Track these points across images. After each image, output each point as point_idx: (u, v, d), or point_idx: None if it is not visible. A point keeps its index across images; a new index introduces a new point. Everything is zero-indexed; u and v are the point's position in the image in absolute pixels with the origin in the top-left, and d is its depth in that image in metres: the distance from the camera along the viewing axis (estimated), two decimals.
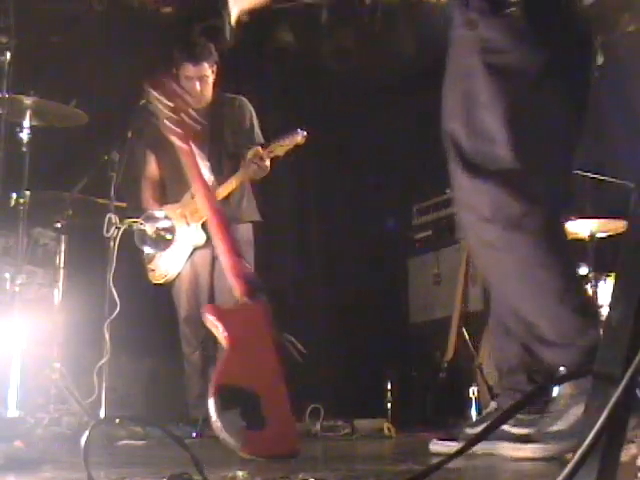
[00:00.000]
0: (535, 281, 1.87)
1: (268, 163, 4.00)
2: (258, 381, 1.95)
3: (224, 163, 4.17)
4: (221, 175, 4.11)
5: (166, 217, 4.02)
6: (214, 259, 4.13)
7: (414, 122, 6.29)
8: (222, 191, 4.05)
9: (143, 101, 3.89)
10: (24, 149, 3.44)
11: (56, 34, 5.39)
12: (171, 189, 4.23)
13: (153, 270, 4.15)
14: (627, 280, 0.99)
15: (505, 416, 1.82)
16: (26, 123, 3.48)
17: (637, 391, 0.89)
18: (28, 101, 3.50)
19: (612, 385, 0.88)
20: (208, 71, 4.17)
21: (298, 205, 6.04)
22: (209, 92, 4.22)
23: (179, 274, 4.16)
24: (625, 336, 0.94)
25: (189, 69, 4.15)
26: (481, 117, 1.89)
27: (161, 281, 4.16)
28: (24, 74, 3.35)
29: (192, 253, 4.13)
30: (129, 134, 3.77)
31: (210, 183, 4.01)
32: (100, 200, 3.88)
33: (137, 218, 3.86)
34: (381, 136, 6.17)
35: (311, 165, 6.27)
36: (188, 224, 4.08)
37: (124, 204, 3.89)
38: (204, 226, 4.06)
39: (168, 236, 3.97)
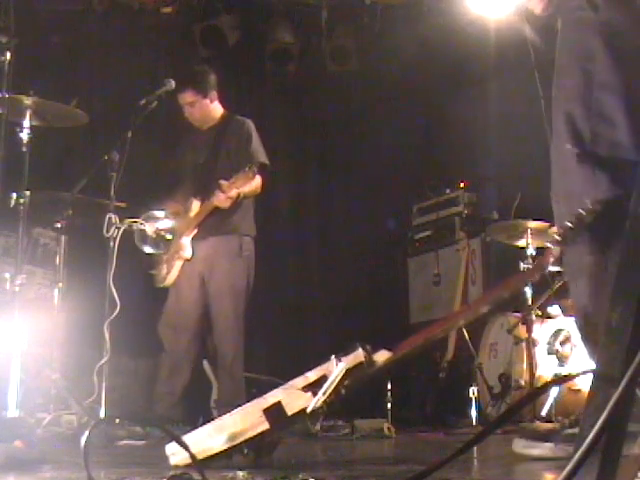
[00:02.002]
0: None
1: (233, 194, 4.12)
2: None
3: (214, 181, 4.25)
4: (209, 193, 4.26)
5: (166, 217, 4.03)
6: (202, 276, 4.29)
7: (415, 122, 6.30)
8: (198, 212, 4.29)
9: (143, 101, 3.89)
10: (24, 149, 3.43)
11: (56, 34, 5.39)
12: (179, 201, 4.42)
13: (156, 275, 4.38)
14: (627, 280, 0.99)
15: (504, 417, 1.82)
16: (26, 123, 3.47)
17: (637, 391, 0.89)
18: (28, 101, 3.50)
19: (612, 385, 0.88)
20: (192, 98, 4.34)
21: (298, 205, 6.04)
22: (205, 115, 4.41)
23: (174, 282, 4.37)
24: (625, 336, 0.94)
25: (177, 96, 4.34)
26: (602, 99, 1.83)
27: (160, 286, 4.38)
28: (24, 74, 3.34)
29: (182, 266, 4.32)
30: (129, 134, 3.77)
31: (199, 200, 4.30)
32: (100, 200, 3.88)
33: (137, 218, 3.87)
34: (381, 136, 6.17)
35: (311, 165, 6.27)
36: (180, 237, 4.27)
37: (124, 204, 3.89)
38: (204, 231, 4.25)
39: (168, 236, 4.00)
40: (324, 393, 1.86)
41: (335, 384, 1.88)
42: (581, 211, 1.77)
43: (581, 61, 1.89)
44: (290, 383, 1.93)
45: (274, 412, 1.87)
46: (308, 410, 1.88)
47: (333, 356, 1.90)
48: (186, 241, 4.28)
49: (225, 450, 1.90)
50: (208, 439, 1.90)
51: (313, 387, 1.89)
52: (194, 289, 4.31)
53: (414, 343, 1.99)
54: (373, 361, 1.89)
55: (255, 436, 1.89)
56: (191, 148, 4.47)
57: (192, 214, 4.30)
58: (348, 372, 1.88)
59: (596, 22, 1.85)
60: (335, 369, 1.88)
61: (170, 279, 4.33)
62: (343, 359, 1.89)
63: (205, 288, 4.32)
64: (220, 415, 4.20)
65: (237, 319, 4.28)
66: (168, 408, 4.22)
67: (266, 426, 1.88)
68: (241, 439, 1.89)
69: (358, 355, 1.90)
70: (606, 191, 1.79)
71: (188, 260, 4.29)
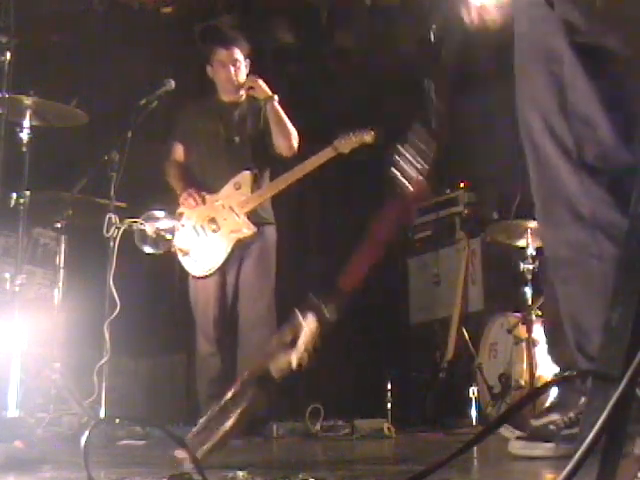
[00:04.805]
0: (608, 293, 1.75)
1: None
2: None
3: (246, 162, 4.16)
4: (260, 180, 4.18)
5: (166, 217, 4.02)
6: (241, 262, 4.11)
7: (415, 122, 6.29)
8: (264, 193, 4.14)
9: (143, 101, 3.90)
10: (24, 149, 3.44)
11: (56, 34, 5.39)
12: (204, 180, 4.19)
13: (196, 261, 4.07)
14: (627, 280, 0.99)
15: (504, 417, 1.82)
16: (26, 123, 3.48)
17: (637, 391, 0.89)
18: (28, 101, 3.51)
19: (612, 385, 0.88)
20: (240, 56, 4.20)
21: (297, 204, 6.04)
22: (240, 81, 4.22)
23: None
24: (625, 336, 0.94)
25: (221, 53, 4.19)
26: (575, 100, 1.77)
27: (205, 273, 4.06)
28: (24, 74, 3.35)
29: (236, 244, 4.07)
30: (129, 134, 3.77)
31: (250, 184, 4.10)
32: (100, 200, 3.88)
33: (137, 218, 3.86)
34: (381, 136, 6.17)
35: None
36: (238, 215, 4.05)
37: (124, 204, 3.89)
38: (250, 217, 4.07)
39: (168, 236, 3.96)
40: (304, 346, 1.93)
41: (311, 337, 1.96)
42: None
43: (547, 63, 1.82)
44: (266, 349, 1.98)
45: (265, 381, 1.92)
46: (293, 365, 1.93)
47: (297, 311, 1.98)
48: (243, 218, 4.05)
49: (233, 429, 1.94)
50: (219, 428, 1.93)
51: (289, 346, 1.95)
52: (228, 275, 4.10)
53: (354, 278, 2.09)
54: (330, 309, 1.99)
55: (255, 406, 1.94)
56: (220, 122, 4.22)
57: (248, 189, 4.10)
58: (318, 323, 1.97)
59: (556, 20, 1.77)
60: (304, 323, 1.96)
61: (216, 265, 4.04)
62: (309, 314, 1.97)
63: (235, 281, 4.10)
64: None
65: (273, 324, 4.10)
66: None
67: (264, 395, 1.93)
68: (248, 414, 1.93)
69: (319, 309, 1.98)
70: (598, 199, 1.74)
71: (246, 238, 4.05)
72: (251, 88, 4.17)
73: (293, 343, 1.94)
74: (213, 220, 4.07)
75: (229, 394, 1.96)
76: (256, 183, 4.14)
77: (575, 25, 1.76)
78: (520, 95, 1.92)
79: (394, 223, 2.12)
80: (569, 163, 1.78)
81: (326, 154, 4.10)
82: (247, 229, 4.05)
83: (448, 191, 5.84)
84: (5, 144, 3.14)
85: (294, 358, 1.92)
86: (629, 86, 1.79)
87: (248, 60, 4.26)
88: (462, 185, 5.72)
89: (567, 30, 1.76)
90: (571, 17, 1.76)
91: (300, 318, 1.96)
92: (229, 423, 1.92)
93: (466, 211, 5.62)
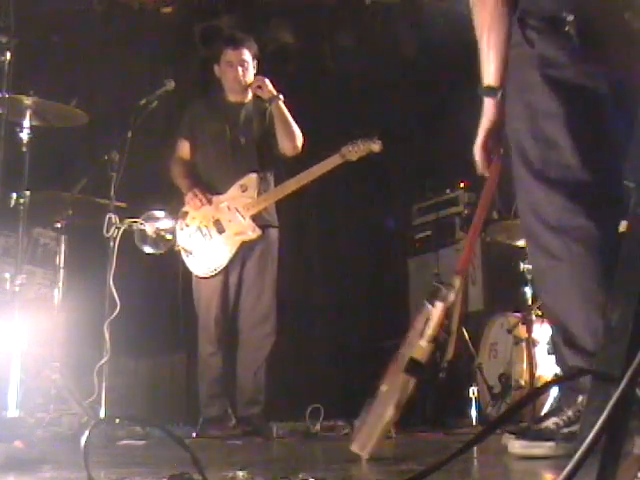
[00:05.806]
0: (583, 292, 1.91)
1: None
2: None
3: (252, 163, 4.15)
4: (265, 182, 4.18)
5: (166, 217, 4.01)
6: (244, 263, 4.10)
7: (415, 122, 6.30)
8: (266, 199, 4.14)
9: (143, 101, 3.90)
10: (24, 149, 3.44)
11: (56, 34, 5.39)
12: (209, 180, 4.19)
13: (199, 261, 4.07)
14: (627, 280, 0.99)
15: (504, 417, 1.82)
16: (26, 123, 3.48)
17: (637, 391, 0.89)
18: (28, 101, 3.50)
19: (612, 385, 0.88)
20: (248, 57, 4.21)
21: (298, 204, 6.04)
22: (248, 82, 4.21)
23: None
24: (625, 336, 0.94)
25: (229, 54, 4.20)
26: (544, 125, 1.98)
27: (208, 274, 4.05)
28: (24, 74, 3.35)
29: (241, 246, 4.07)
30: (129, 134, 3.77)
31: (256, 186, 4.10)
32: (100, 200, 3.88)
33: (138, 218, 3.86)
34: (381, 136, 6.17)
35: (311, 164, 6.26)
36: (244, 218, 4.04)
37: (124, 204, 3.89)
38: (255, 220, 4.06)
39: (168, 236, 3.96)
40: (433, 331, 2.14)
41: (438, 322, 2.15)
42: None
43: (521, 93, 2.03)
44: (407, 340, 2.19)
45: (413, 368, 2.13)
46: (429, 349, 2.15)
47: (426, 301, 2.16)
48: (249, 221, 4.04)
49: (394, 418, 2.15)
50: (380, 419, 2.13)
51: (423, 334, 2.16)
52: (233, 283, 4.09)
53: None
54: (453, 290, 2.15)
55: (407, 392, 2.13)
56: (227, 123, 4.19)
57: (254, 192, 4.08)
58: (446, 310, 2.15)
59: (533, 55, 1.99)
60: (434, 310, 2.14)
61: (220, 266, 4.02)
62: (436, 302, 2.15)
63: (237, 281, 4.09)
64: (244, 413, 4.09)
65: (274, 321, 4.13)
66: (225, 411, 4.01)
67: (414, 382, 2.11)
68: (403, 402, 2.12)
69: (450, 294, 2.14)
70: (560, 208, 1.94)
71: (251, 240, 4.04)
72: (258, 87, 4.18)
73: (425, 331, 2.15)
74: (218, 221, 4.07)
75: (384, 387, 2.10)
76: (262, 185, 4.14)
77: (551, 60, 1.97)
78: (506, 120, 2.14)
79: (488, 199, 2.35)
80: (536, 180, 2.00)
81: (333, 161, 4.10)
82: (252, 232, 4.04)
83: (448, 191, 5.84)
84: (5, 144, 3.14)
85: (428, 344, 2.14)
86: (599, 115, 1.97)
87: (256, 61, 4.26)
88: (462, 185, 5.72)
89: (542, 64, 1.98)
90: (549, 53, 1.98)
91: (430, 308, 2.14)
92: (390, 413, 2.01)
93: (466, 211, 5.62)
